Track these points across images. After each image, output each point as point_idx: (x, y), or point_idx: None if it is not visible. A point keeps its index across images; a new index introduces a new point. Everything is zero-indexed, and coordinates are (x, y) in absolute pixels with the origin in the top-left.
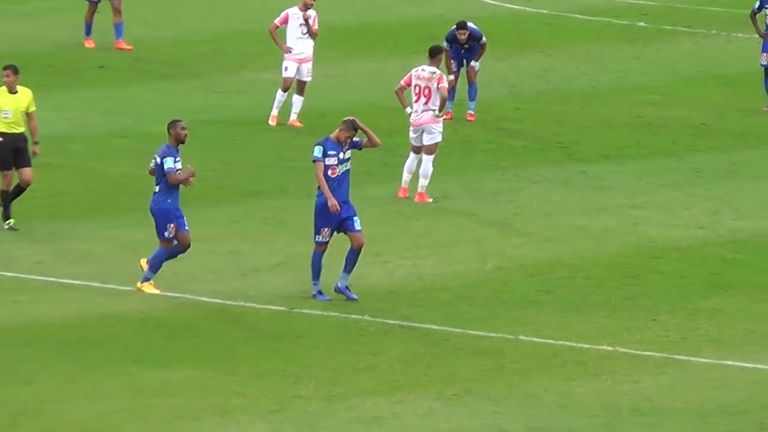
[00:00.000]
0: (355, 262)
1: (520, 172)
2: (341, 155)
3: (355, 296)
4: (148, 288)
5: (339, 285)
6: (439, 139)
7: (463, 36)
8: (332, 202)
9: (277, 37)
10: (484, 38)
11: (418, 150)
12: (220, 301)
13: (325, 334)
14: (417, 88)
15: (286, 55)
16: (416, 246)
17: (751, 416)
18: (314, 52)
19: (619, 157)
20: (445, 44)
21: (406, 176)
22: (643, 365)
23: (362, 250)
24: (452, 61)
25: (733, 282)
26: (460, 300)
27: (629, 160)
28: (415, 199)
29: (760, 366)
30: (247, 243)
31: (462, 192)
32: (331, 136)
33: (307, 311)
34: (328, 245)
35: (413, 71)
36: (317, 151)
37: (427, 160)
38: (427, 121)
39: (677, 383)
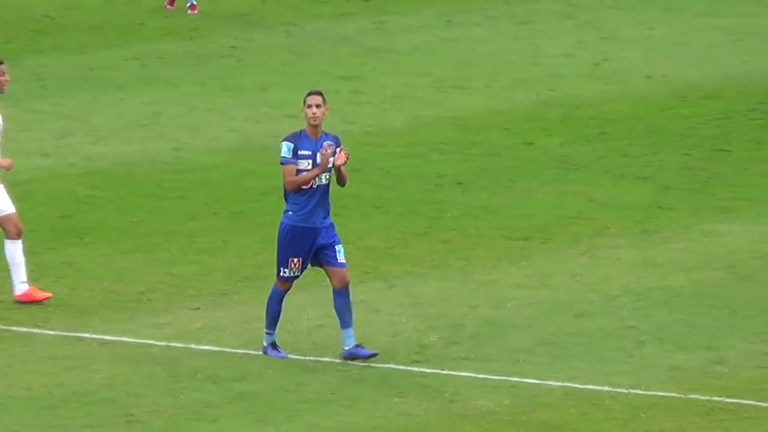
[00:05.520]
0: (350, 309)
1: None
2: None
3: (374, 351)
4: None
5: (346, 349)
6: None
7: None
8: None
9: None
10: None
11: None
12: None
13: None
14: None
15: None
16: None
17: (115, 406)
18: None
19: None
20: None
21: None
22: None
23: (349, 290)
24: None
25: (90, 228)
26: None
27: None
28: None
29: (125, 339)
30: None
31: None
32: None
33: None
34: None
35: None
36: (285, 150)
37: None
38: None
39: (19, 364)
